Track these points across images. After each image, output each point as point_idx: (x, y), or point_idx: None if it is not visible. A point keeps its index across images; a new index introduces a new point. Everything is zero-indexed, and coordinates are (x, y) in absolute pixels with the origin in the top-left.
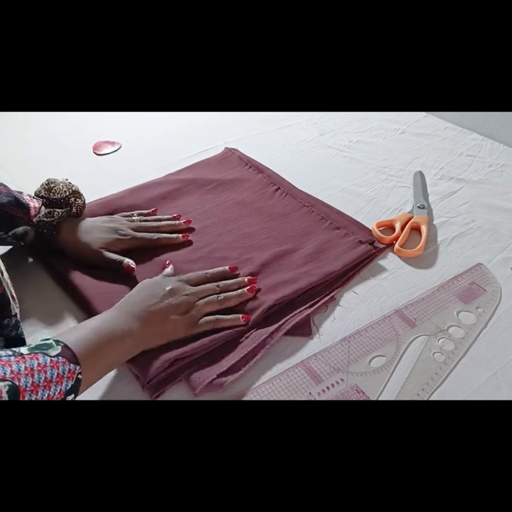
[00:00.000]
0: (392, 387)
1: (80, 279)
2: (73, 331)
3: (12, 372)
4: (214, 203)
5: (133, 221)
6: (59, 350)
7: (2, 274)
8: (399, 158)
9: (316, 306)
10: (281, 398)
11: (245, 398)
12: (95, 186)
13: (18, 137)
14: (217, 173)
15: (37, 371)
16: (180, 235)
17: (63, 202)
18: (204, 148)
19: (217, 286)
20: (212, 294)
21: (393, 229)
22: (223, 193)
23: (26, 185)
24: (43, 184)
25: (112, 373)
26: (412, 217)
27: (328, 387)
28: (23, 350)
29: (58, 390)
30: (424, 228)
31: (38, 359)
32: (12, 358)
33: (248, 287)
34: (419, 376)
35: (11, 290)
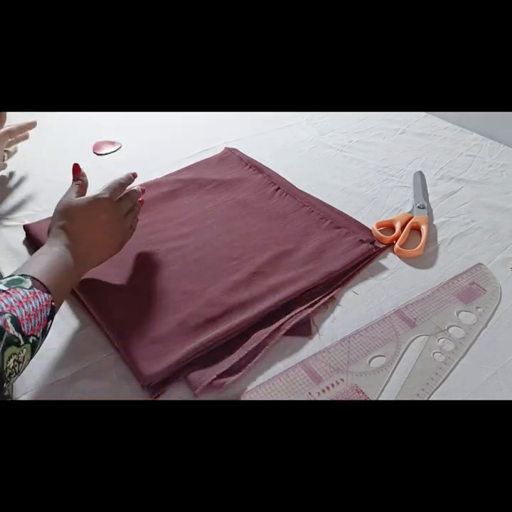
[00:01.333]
0: (392, 387)
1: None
2: (31, 265)
3: (6, 305)
4: (214, 203)
5: None
6: (30, 283)
7: None
8: (399, 158)
9: (316, 306)
10: (281, 398)
11: (245, 398)
12: (95, 186)
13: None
14: (217, 173)
15: (24, 302)
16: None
17: None
18: (204, 148)
19: (130, 196)
20: (130, 205)
21: (393, 229)
22: (223, 193)
23: (26, 185)
24: None
25: (112, 373)
26: (412, 217)
27: (328, 387)
28: (1, 286)
29: (42, 317)
30: (424, 228)
31: (19, 292)
32: None
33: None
34: (419, 376)
35: None
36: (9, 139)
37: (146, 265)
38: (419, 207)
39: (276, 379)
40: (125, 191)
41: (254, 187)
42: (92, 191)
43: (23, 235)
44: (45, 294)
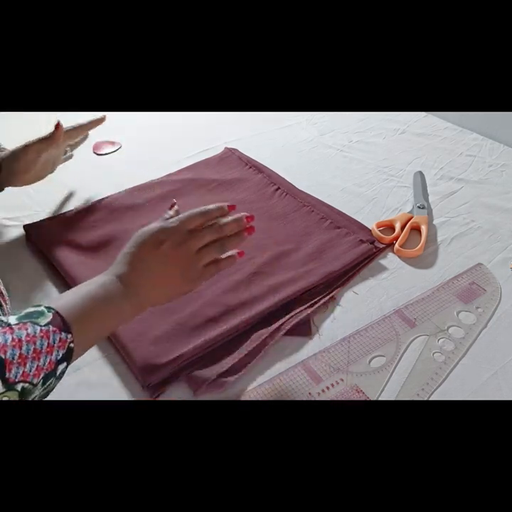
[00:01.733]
0: (392, 387)
1: (78, 277)
2: (66, 295)
3: None
4: (214, 203)
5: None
6: (49, 318)
7: None
8: (399, 158)
9: (316, 306)
10: (281, 398)
11: (245, 398)
12: (95, 186)
13: (18, 137)
14: (217, 173)
15: (25, 342)
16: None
17: None
18: (204, 148)
19: (217, 228)
20: (211, 239)
21: (393, 229)
22: (223, 193)
23: (26, 186)
24: None
25: (112, 374)
26: (412, 217)
27: (328, 387)
28: (12, 319)
29: (48, 361)
30: (424, 228)
31: (27, 329)
32: None
33: (247, 228)
34: (419, 376)
35: None
36: (69, 142)
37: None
38: (419, 207)
39: (276, 379)
40: (215, 221)
41: (254, 187)
42: (92, 191)
43: (23, 235)
44: (62, 334)
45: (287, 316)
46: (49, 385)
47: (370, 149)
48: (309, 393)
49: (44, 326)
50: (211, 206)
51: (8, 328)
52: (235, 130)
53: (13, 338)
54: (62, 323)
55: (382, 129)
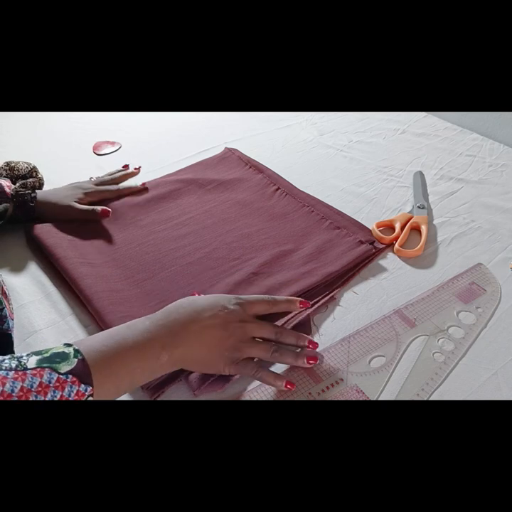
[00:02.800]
0: (392, 387)
1: (81, 279)
2: (103, 338)
3: (2, 393)
4: (214, 203)
5: (91, 181)
6: (72, 366)
7: None
8: (399, 158)
9: (316, 306)
10: (281, 398)
11: (245, 398)
12: None
13: (18, 137)
14: (217, 173)
15: (35, 392)
16: (139, 184)
17: (27, 176)
18: (204, 148)
19: (276, 333)
20: (268, 338)
21: (393, 229)
22: (223, 193)
23: None
24: (2, 166)
25: None
26: (412, 217)
27: (327, 387)
28: (32, 361)
29: None
30: (424, 228)
31: (41, 377)
32: (11, 372)
33: (309, 358)
34: (419, 376)
35: (1, 287)
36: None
37: (145, 266)
38: (419, 207)
39: None
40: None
41: (254, 187)
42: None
43: (23, 236)
44: (82, 386)
45: (287, 316)
46: None
47: (370, 149)
48: (309, 393)
49: (63, 374)
50: (280, 298)
51: (22, 372)
52: (235, 130)
53: (21, 388)
54: (84, 373)
55: (382, 129)
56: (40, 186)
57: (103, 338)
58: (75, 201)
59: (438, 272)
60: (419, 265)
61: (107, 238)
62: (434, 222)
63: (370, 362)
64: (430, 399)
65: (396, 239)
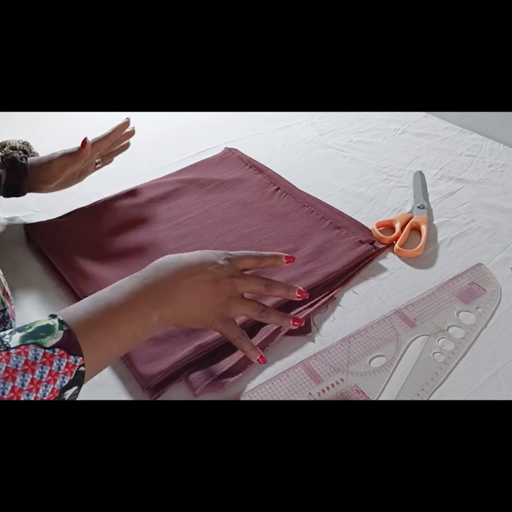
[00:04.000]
0: (392, 387)
1: (81, 280)
2: (87, 304)
3: None
4: (214, 203)
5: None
6: (58, 339)
7: None
8: (399, 158)
9: (316, 306)
10: (281, 398)
11: (245, 398)
12: (95, 186)
13: (18, 137)
14: (217, 173)
15: (22, 371)
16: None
17: (20, 148)
18: (204, 148)
19: (265, 285)
20: (256, 288)
21: (393, 229)
22: (223, 193)
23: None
24: None
25: (112, 374)
26: (412, 217)
27: (328, 387)
28: (15, 339)
29: (49, 390)
30: (424, 228)
31: (26, 355)
32: None
33: (294, 319)
34: (419, 376)
35: (3, 287)
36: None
37: (145, 265)
38: (419, 207)
39: (276, 379)
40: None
41: (254, 187)
42: (92, 191)
43: (23, 235)
44: (70, 358)
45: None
46: None
47: (370, 149)
48: (309, 393)
49: (49, 348)
50: (268, 253)
51: (5, 353)
52: (235, 130)
53: (6, 369)
54: (71, 344)
55: (382, 129)
56: (33, 155)
57: (87, 304)
58: (67, 155)
59: (438, 271)
60: (419, 265)
61: (107, 238)
62: (434, 222)
63: (370, 362)
64: (430, 399)
65: (396, 239)
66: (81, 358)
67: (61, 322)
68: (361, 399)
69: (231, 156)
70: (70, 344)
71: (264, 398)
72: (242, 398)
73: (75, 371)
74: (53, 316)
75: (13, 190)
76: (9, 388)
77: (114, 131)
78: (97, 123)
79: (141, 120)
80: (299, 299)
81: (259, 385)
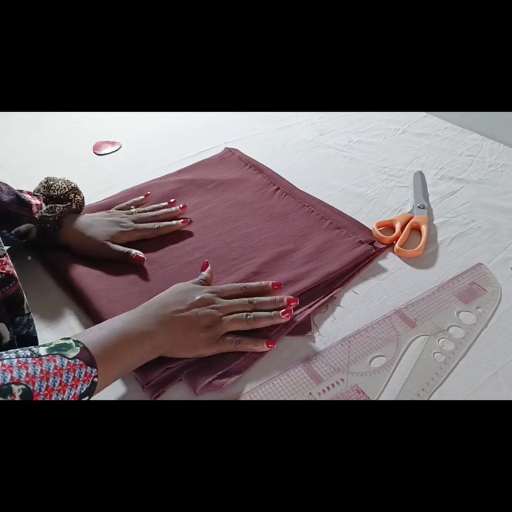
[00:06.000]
0: (392, 387)
1: (81, 278)
2: (95, 330)
3: (27, 374)
4: (214, 203)
5: (131, 213)
6: (77, 352)
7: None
8: (399, 158)
9: (316, 306)
10: (281, 398)
11: (245, 398)
12: (95, 186)
13: (18, 137)
14: (217, 173)
15: (53, 374)
16: (180, 221)
17: (63, 198)
18: (204, 148)
19: (250, 302)
20: (242, 311)
21: (393, 229)
22: (223, 193)
23: (26, 186)
24: (41, 182)
25: None
26: (412, 217)
27: (328, 387)
28: (42, 350)
29: (73, 393)
30: (424, 228)
31: (55, 361)
32: (29, 359)
33: (283, 311)
34: (419, 376)
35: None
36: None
37: (145, 265)
38: (419, 207)
39: (276, 379)
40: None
41: (254, 187)
42: (92, 191)
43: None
44: (88, 368)
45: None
46: None
47: (370, 149)
48: (309, 393)
49: (71, 359)
50: (254, 284)
51: (38, 359)
52: (235, 130)
53: (41, 370)
54: (88, 357)
55: (382, 129)
56: (79, 208)
57: (96, 331)
58: (108, 241)
59: (438, 271)
60: (419, 265)
61: None
62: (434, 222)
63: (370, 362)
64: (431, 399)
65: (396, 239)
66: (95, 369)
67: (76, 341)
68: (361, 399)
69: (231, 156)
70: (87, 357)
71: (264, 398)
72: (242, 398)
73: (90, 381)
74: (67, 338)
75: (41, 247)
76: (45, 386)
77: (160, 227)
78: (97, 123)
79: (141, 120)
80: (284, 317)
81: (259, 385)
